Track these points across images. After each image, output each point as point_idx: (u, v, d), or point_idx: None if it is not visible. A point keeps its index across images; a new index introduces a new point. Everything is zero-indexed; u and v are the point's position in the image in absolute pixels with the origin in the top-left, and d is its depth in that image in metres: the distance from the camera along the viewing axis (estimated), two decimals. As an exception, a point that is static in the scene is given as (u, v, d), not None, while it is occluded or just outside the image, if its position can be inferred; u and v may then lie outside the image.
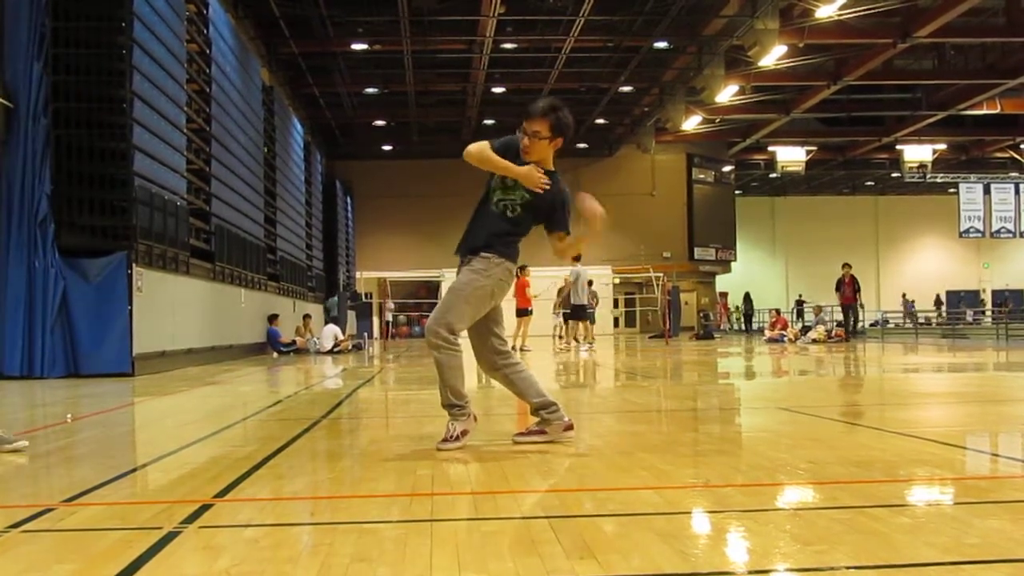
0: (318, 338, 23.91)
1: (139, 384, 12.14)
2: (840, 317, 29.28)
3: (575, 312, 23.17)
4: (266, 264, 23.52)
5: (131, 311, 13.44)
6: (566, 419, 5.58)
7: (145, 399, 10.40)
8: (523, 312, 22.53)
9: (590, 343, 23.45)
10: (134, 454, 6.19)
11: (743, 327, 45.68)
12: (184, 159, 16.39)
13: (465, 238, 5.53)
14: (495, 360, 5.58)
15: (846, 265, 28.25)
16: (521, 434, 5.62)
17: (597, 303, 29.09)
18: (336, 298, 33.11)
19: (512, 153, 5.45)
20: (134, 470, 5.21)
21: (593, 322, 28.28)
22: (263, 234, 23.20)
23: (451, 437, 5.36)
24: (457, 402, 5.43)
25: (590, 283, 29.27)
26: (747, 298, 46.23)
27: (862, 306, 28.71)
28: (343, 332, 25.97)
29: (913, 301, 50.45)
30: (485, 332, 5.57)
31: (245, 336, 21.16)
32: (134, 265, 13.54)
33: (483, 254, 5.40)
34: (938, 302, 52.89)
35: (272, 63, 28.85)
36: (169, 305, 15.38)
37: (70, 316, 13.25)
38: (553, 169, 5.50)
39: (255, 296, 21.99)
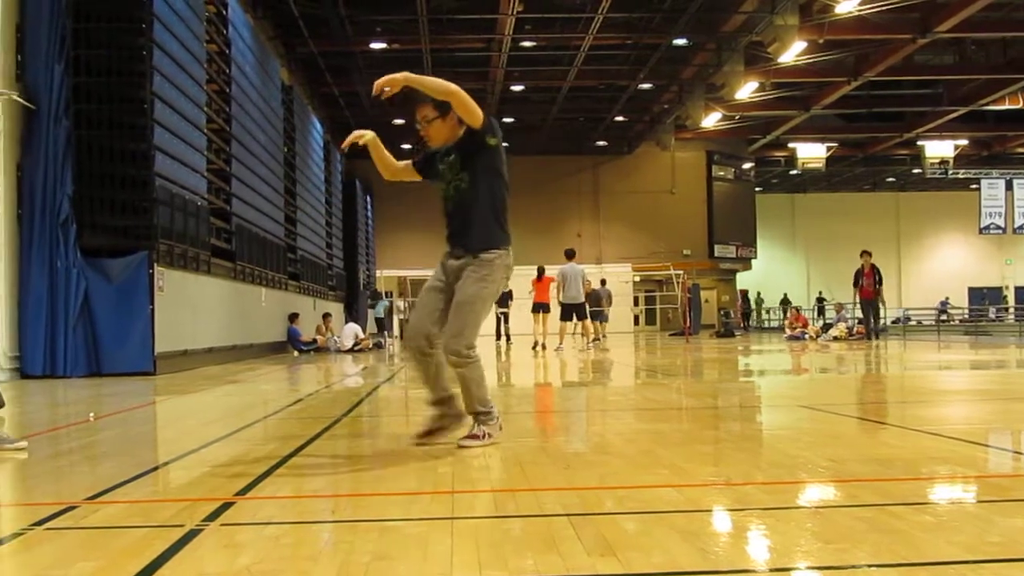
0: (338, 337, 23.96)
1: (160, 383, 12.19)
2: (859, 313, 26.25)
3: (565, 311, 22.18)
4: (286, 263, 23.56)
5: (152, 310, 13.49)
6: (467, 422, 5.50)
7: (166, 398, 10.45)
8: (540, 307, 22.43)
9: (595, 340, 23.34)
10: (156, 452, 6.21)
11: (743, 325, 45.15)
12: (204, 159, 16.43)
13: (453, 237, 5.46)
14: (424, 346, 5.44)
15: (865, 253, 24.33)
16: (422, 435, 5.53)
17: (610, 303, 28.95)
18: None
19: (429, 157, 5.56)
20: (156, 468, 5.23)
21: (605, 320, 28.17)
22: (283, 233, 23.25)
23: (478, 436, 5.34)
24: (484, 409, 5.41)
25: (603, 282, 29.16)
26: (745, 296, 46.08)
27: (883, 302, 25.24)
28: (364, 331, 26.01)
29: (948, 299, 50.27)
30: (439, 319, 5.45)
31: (265, 335, 21.21)
32: (155, 265, 13.59)
33: (482, 256, 5.34)
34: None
35: (291, 63, 28.90)
36: (190, 304, 15.43)
37: (92, 316, 13.31)
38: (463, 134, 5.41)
39: (275, 295, 22.04)
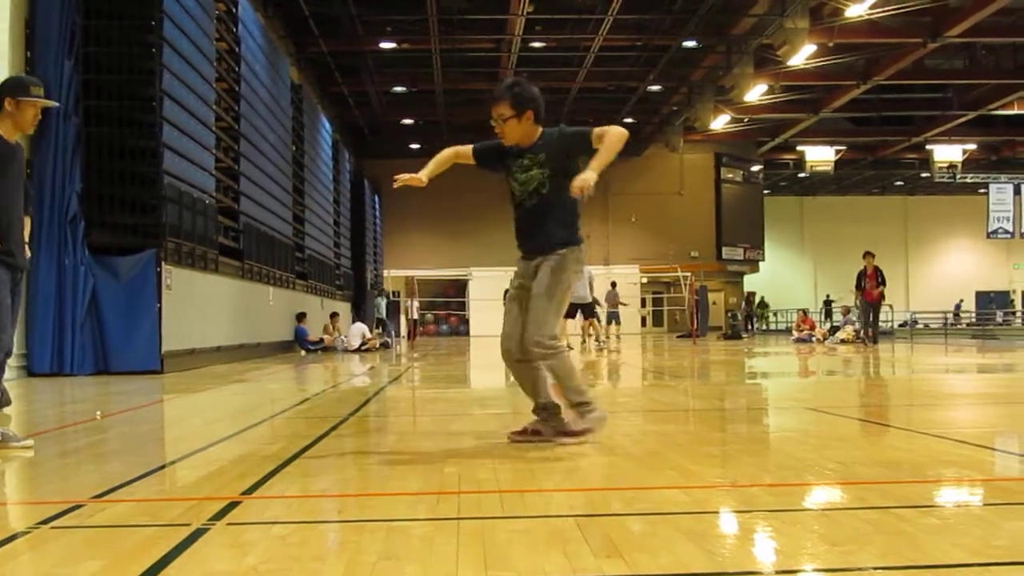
0: (345, 336, 23.98)
1: (168, 382, 12.20)
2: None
3: (570, 311, 22.21)
4: (294, 262, 23.59)
5: (160, 309, 13.50)
6: (568, 424, 5.51)
7: (174, 396, 10.46)
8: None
9: (602, 341, 23.36)
10: (162, 451, 6.22)
11: (749, 327, 44.94)
12: (213, 157, 16.47)
13: (527, 241, 5.52)
14: (516, 352, 5.50)
15: (868, 254, 23.16)
16: (517, 433, 5.59)
17: (617, 304, 28.89)
18: (382, 300, 33.46)
19: (498, 150, 5.55)
20: (162, 467, 5.24)
21: (617, 323, 28.23)
22: (291, 232, 23.28)
23: (577, 431, 5.40)
24: (581, 399, 5.43)
25: (613, 284, 29.12)
26: (748, 299, 46.05)
27: (889, 305, 24.81)
28: (371, 330, 26.04)
29: (962, 300, 50.28)
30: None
31: (273, 334, 21.24)
32: (163, 263, 13.60)
33: (557, 252, 5.41)
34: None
35: (301, 61, 28.92)
36: (198, 303, 15.45)
37: (100, 314, 13.32)
38: (538, 135, 5.47)
39: (283, 294, 22.07)
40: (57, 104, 5.95)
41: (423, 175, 5.54)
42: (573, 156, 5.40)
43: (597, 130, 5.39)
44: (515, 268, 5.61)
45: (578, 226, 5.53)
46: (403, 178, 5.59)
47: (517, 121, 5.40)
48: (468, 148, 5.71)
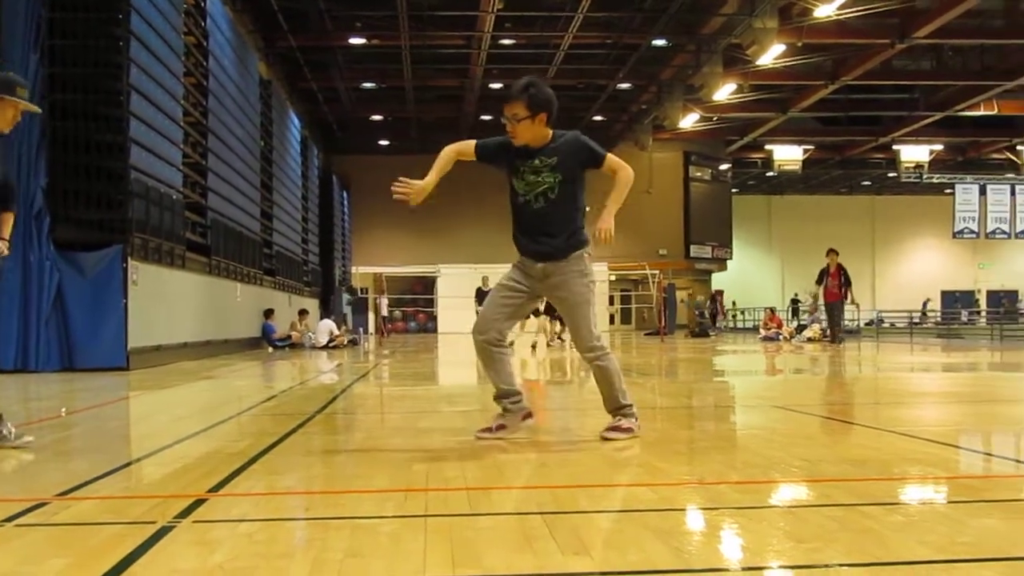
0: (313, 333, 23.90)
1: (134, 378, 12.11)
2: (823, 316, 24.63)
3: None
4: (262, 259, 23.47)
5: (126, 305, 13.39)
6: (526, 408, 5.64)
7: (139, 393, 10.39)
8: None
9: (561, 339, 23.37)
10: (128, 448, 6.18)
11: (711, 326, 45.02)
12: (180, 153, 16.35)
13: (534, 245, 5.51)
14: (493, 338, 5.58)
15: (831, 251, 22.03)
16: (484, 431, 5.61)
17: None
18: (348, 296, 33.39)
19: (503, 147, 5.51)
20: (128, 464, 5.20)
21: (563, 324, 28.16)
22: (259, 228, 23.16)
23: (623, 428, 5.50)
24: (626, 402, 5.58)
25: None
26: (713, 298, 46.28)
27: (856, 304, 23.91)
28: (338, 327, 25.96)
29: (929, 300, 50.69)
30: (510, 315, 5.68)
31: (240, 331, 21.13)
32: (129, 259, 13.49)
33: (571, 256, 5.47)
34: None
35: (270, 57, 28.80)
36: (164, 299, 15.35)
37: (65, 310, 13.20)
38: (550, 138, 5.46)
39: (251, 290, 21.96)
40: (39, 111, 5.82)
41: (430, 180, 5.39)
42: (582, 168, 5.47)
43: (612, 159, 5.51)
44: (518, 266, 5.61)
45: (583, 225, 5.58)
46: (403, 189, 5.42)
47: (531, 122, 5.37)
48: (470, 144, 5.62)
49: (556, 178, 5.39)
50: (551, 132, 5.46)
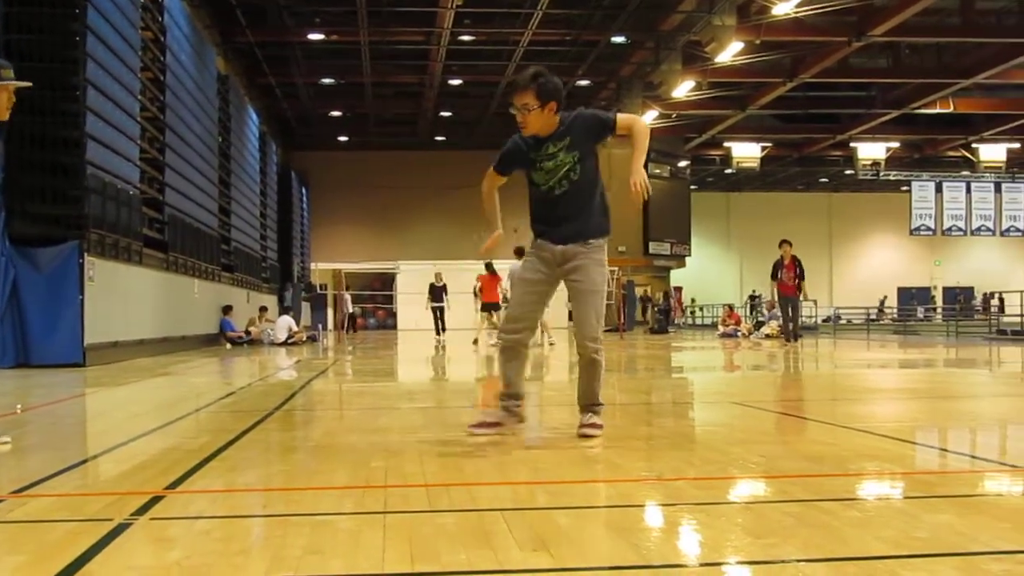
0: (272, 329, 23.80)
1: (90, 375, 12.02)
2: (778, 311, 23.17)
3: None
4: (220, 255, 23.34)
5: (83, 301, 13.28)
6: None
7: (96, 390, 10.31)
8: (490, 307, 21.98)
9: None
10: (84, 445, 6.13)
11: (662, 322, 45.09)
12: (137, 148, 16.22)
13: (563, 226, 5.52)
14: (527, 339, 5.69)
15: (785, 242, 20.96)
16: (476, 425, 5.61)
17: None
18: (291, 290, 33.14)
19: (514, 153, 5.59)
20: (84, 461, 5.17)
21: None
22: (217, 224, 23.03)
23: (599, 425, 5.53)
24: (600, 401, 5.62)
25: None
26: (667, 295, 46.48)
27: (813, 301, 23.68)
28: (297, 323, 25.86)
29: (886, 297, 51.12)
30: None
31: (198, 327, 21.00)
32: (86, 254, 13.38)
33: (591, 241, 5.49)
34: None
35: (228, 52, 28.60)
36: (121, 295, 15.23)
37: (20, 306, 13.06)
38: (559, 120, 5.48)
39: (209, 287, 21.83)
40: (30, 84, 5.57)
41: (495, 224, 5.78)
42: (596, 140, 5.54)
43: (622, 118, 5.58)
44: (533, 252, 5.62)
45: (608, 209, 5.64)
46: (491, 245, 5.76)
47: (541, 111, 5.39)
48: (492, 173, 5.75)
49: (574, 156, 5.42)
50: (558, 118, 5.47)
